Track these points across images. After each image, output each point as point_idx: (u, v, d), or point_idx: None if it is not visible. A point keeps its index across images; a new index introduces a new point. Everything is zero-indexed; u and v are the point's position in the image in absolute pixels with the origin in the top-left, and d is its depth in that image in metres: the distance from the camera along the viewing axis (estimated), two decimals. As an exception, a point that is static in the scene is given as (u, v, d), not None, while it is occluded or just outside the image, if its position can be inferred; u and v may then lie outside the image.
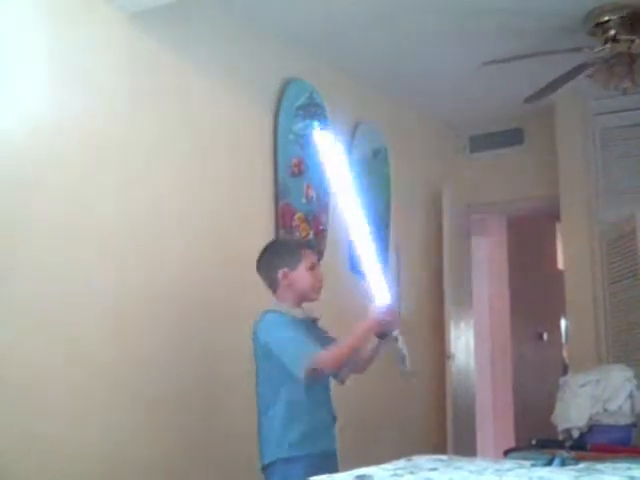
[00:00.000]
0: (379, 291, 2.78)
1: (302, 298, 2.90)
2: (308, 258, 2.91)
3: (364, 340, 2.83)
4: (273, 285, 2.91)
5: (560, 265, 6.13)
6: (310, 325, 2.89)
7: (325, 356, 2.69)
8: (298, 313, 2.86)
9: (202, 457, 3.25)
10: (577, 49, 3.78)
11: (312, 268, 2.90)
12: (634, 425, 3.79)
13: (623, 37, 3.66)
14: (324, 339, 2.86)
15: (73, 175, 2.87)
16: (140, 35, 3.18)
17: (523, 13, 3.74)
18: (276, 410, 2.72)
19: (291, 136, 3.93)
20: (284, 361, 2.68)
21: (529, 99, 4.20)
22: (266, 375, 2.78)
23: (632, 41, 3.67)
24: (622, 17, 3.66)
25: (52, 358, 2.70)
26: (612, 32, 3.70)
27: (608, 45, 3.71)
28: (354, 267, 4.37)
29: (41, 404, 2.65)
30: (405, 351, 2.79)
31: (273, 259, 2.93)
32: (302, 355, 2.66)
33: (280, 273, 2.87)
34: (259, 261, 2.98)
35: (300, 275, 2.87)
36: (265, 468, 2.74)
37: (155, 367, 3.09)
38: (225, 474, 3.32)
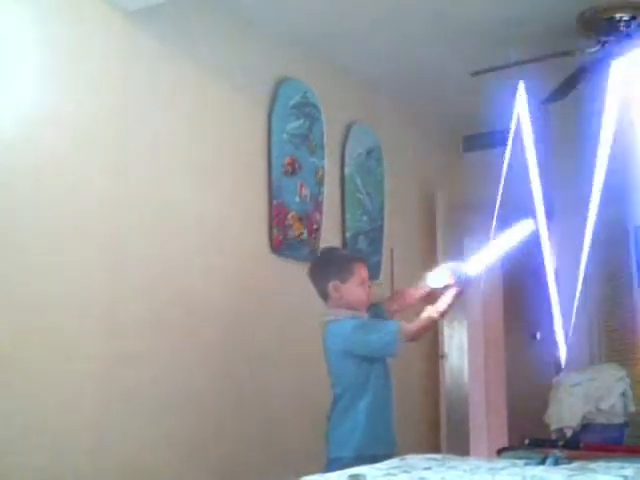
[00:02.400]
0: (474, 262, 2.99)
1: (351, 310, 2.95)
2: (360, 273, 2.99)
3: (451, 307, 2.99)
4: (324, 295, 2.99)
5: (554, 264, 6.13)
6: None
7: (412, 324, 2.86)
8: (357, 315, 2.95)
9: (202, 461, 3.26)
10: (569, 53, 3.78)
11: (362, 283, 2.98)
12: (626, 424, 3.80)
13: (617, 36, 3.66)
14: None
15: (68, 174, 2.86)
16: (136, 33, 3.18)
17: (515, 14, 3.75)
18: (354, 412, 2.84)
19: (285, 135, 3.93)
20: (374, 348, 2.85)
21: (476, 73, 4.11)
22: (347, 380, 2.89)
23: (626, 40, 3.68)
24: (618, 17, 3.67)
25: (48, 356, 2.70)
26: (605, 32, 3.70)
27: (600, 46, 3.72)
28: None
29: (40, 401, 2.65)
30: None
31: (325, 270, 3.00)
32: (388, 333, 2.82)
33: (331, 285, 2.95)
34: (311, 269, 3.07)
35: (350, 289, 2.95)
36: (330, 462, 2.82)
37: (149, 366, 3.10)
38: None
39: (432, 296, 3.09)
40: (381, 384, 2.93)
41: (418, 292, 3.19)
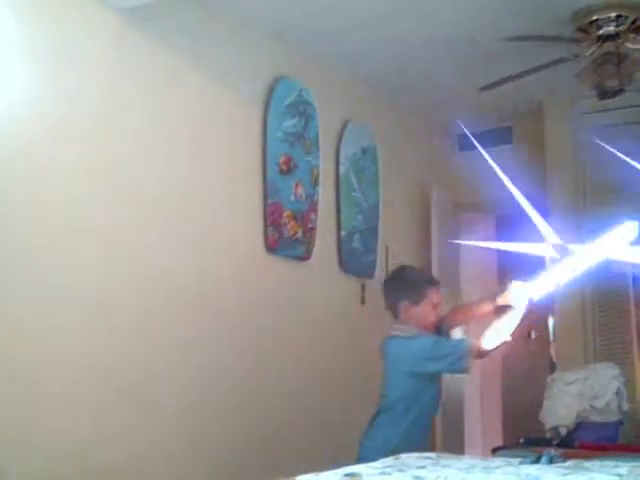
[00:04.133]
0: (536, 288, 2.98)
1: (418, 328, 3.02)
2: (432, 297, 3.05)
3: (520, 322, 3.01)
4: (394, 312, 3.07)
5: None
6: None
7: (481, 344, 2.89)
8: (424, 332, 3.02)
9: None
10: (565, 59, 3.79)
11: (434, 308, 3.04)
12: (621, 422, 3.81)
13: (612, 36, 3.67)
14: None
15: (57, 173, 2.85)
16: (128, 32, 3.17)
17: (509, 12, 3.75)
18: (397, 425, 2.92)
19: (280, 134, 3.92)
20: (444, 368, 2.98)
21: (485, 88, 4.14)
22: (400, 395, 2.96)
23: (621, 41, 3.68)
24: (611, 17, 3.67)
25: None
26: (600, 32, 3.71)
27: (596, 44, 3.73)
28: (343, 265, 4.39)
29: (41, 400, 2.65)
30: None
31: (398, 289, 3.07)
32: (458, 353, 2.88)
33: (401, 305, 3.02)
34: (385, 284, 3.16)
35: (420, 312, 3.02)
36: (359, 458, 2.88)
37: (147, 367, 3.09)
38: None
39: (497, 312, 3.15)
40: (431, 402, 3.04)
41: (482, 308, 3.21)
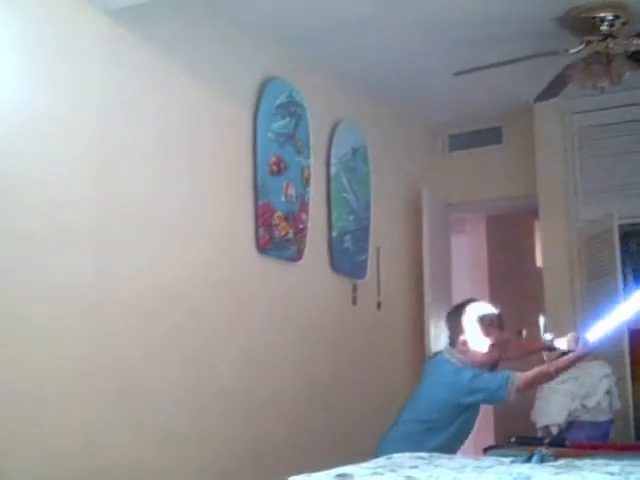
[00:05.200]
0: (596, 330, 3.13)
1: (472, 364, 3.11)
2: (491, 337, 3.11)
3: (572, 366, 3.20)
4: (452, 341, 3.19)
5: (539, 263, 6.16)
6: None
7: (526, 377, 3.02)
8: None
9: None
10: (552, 52, 3.79)
11: (490, 348, 3.11)
12: (612, 421, 3.82)
13: (600, 36, 3.68)
14: None
15: (48, 174, 2.83)
16: (119, 33, 3.15)
17: (499, 13, 3.75)
18: (426, 443, 2.93)
19: (270, 135, 3.92)
20: (484, 400, 3.09)
21: (459, 73, 4.09)
22: (435, 416, 3.07)
23: (610, 40, 3.69)
24: (601, 17, 3.68)
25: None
26: (591, 32, 3.71)
27: (583, 45, 3.74)
28: (334, 266, 4.39)
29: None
30: None
31: (461, 322, 3.15)
32: (500, 387, 2.98)
33: (461, 339, 3.12)
34: (450, 313, 3.27)
35: (476, 352, 3.11)
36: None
37: (135, 367, 3.09)
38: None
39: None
40: (463, 427, 3.12)
41: (532, 346, 3.51)
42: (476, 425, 3.24)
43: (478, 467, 2.23)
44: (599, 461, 2.29)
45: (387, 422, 3.32)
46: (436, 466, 2.27)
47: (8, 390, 2.59)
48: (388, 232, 4.98)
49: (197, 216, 3.49)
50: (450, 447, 3.02)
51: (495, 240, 6.49)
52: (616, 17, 3.68)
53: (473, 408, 3.14)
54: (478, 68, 3.90)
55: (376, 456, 2.93)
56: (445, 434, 3.05)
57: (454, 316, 3.23)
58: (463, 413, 3.09)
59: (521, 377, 3.00)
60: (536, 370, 3.08)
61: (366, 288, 4.64)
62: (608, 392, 3.76)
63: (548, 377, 3.16)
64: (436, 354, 3.34)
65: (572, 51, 3.76)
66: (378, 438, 3.26)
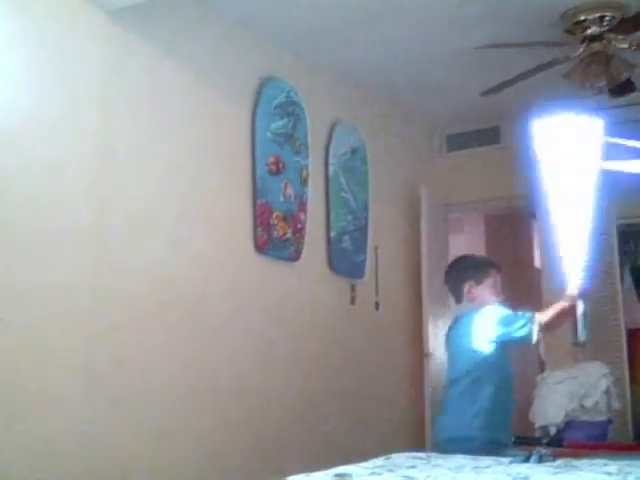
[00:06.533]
0: (576, 272, 3.07)
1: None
2: (493, 277, 3.19)
3: (571, 307, 3.10)
4: (457, 296, 3.22)
5: (537, 263, 6.16)
6: None
7: (546, 315, 3.02)
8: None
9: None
10: (559, 43, 3.80)
11: (495, 287, 3.17)
12: (610, 421, 3.83)
13: (599, 36, 3.69)
14: None
15: (48, 174, 2.84)
16: (118, 33, 3.16)
17: (498, 12, 3.76)
18: (480, 397, 2.97)
19: (269, 135, 3.92)
20: (513, 337, 3.00)
21: (485, 93, 4.19)
22: (475, 363, 3.04)
23: (608, 41, 3.70)
24: (598, 17, 3.69)
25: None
26: (588, 32, 3.72)
27: (584, 45, 3.74)
28: (333, 266, 4.39)
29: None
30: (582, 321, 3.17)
31: (460, 272, 3.22)
32: (528, 322, 2.98)
33: (466, 286, 3.17)
34: (447, 273, 3.30)
35: (484, 291, 3.15)
36: (446, 441, 2.98)
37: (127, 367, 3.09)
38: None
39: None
40: (506, 374, 3.10)
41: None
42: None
43: (477, 467, 2.24)
44: (597, 461, 2.29)
45: (386, 421, 3.32)
46: (434, 466, 2.27)
47: (7, 389, 2.59)
48: (386, 232, 4.98)
49: (196, 216, 3.49)
50: (504, 400, 3.04)
51: (493, 240, 6.49)
52: (612, 17, 3.69)
53: (504, 352, 3.09)
54: (501, 86, 3.98)
55: (436, 435, 3.13)
56: (492, 382, 3.02)
57: (453, 269, 3.30)
58: (500, 357, 3.06)
59: (542, 317, 3.01)
60: (553, 308, 3.06)
61: (364, 288, 4.65)
62: (606, 392, 3.77)
63: (566, 314, 3.11)
64: (450, 327, 3.34)
65: (572, 55, 3.77)
66: (378, 437, 3.27)
